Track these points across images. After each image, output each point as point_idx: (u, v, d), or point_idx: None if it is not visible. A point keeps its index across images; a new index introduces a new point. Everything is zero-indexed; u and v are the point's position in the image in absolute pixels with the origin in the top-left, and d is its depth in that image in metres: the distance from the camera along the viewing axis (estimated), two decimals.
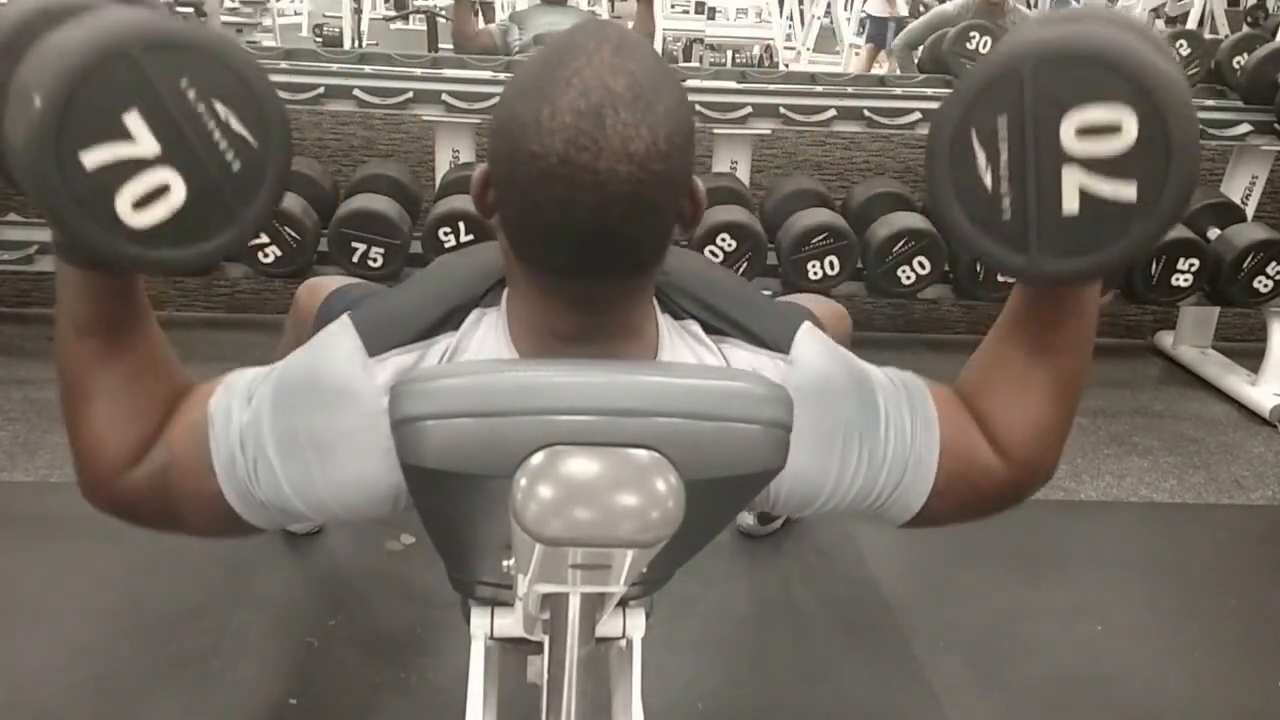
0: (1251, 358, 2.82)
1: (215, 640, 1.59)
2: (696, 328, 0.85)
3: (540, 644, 0.97)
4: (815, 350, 0.85)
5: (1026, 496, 0.91)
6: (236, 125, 0.73)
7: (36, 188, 0.69)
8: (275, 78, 2.41)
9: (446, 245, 2.24)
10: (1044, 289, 0.83)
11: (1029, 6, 6.04)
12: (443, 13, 4.26)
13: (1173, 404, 2.77)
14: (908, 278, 2.37)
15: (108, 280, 0.78)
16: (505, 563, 0.84)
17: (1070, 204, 0.73)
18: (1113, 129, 0.71)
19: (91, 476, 0.83)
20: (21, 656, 1.53)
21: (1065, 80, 0.71)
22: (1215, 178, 2.97)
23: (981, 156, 0.74)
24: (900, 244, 2.34)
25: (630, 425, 0.68)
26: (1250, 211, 2.79)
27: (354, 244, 2.23)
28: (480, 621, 1.06)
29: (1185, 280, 2.46)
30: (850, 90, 2.65)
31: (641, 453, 0.67)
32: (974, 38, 2.83)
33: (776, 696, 1.57)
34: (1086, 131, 0.72)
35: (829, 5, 7.51)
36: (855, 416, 0.84)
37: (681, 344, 0.84)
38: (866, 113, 2.56)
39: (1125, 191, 0.72)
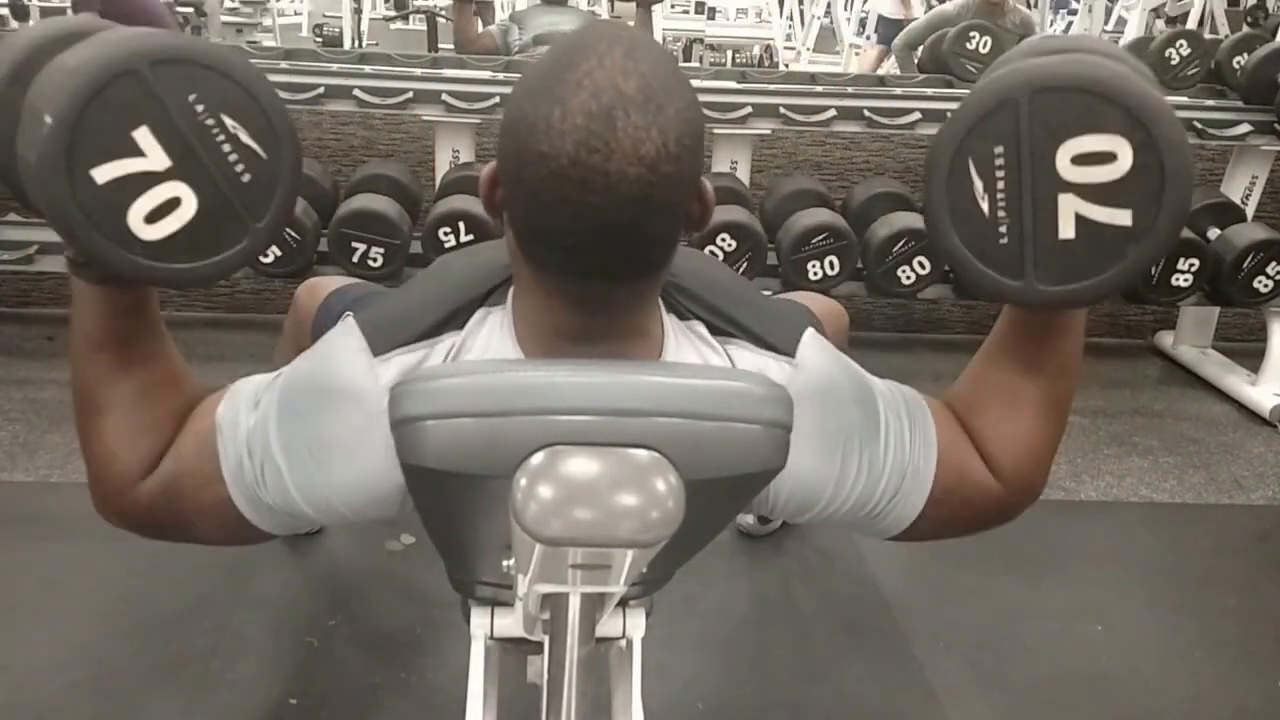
0: (1251, 358, 2.82)
1: (215, 640, 1.59)
2: (702, 328, 0.85)
3: (540, 644, 0.97)
4: (820, 355, 0.85)
5: (1016, 514, 0.92)
6: (246, 138, 0.73)
7: (49, 205, 0.70)
8: (275, 78, 2.42)
9: (446, 245, 2.24)
10: (1039, 313, 0.84)
11: (1029, 6, 6.04)
12: (443, 13, 4.26)
13: (1173, 404, 2.77)
14: (908, 278, 2.37)
15: (121, 295, 0.79)
16: (505, 563, 0.84)
17: (1066, 230, 0.74)
18: (1108, 157, 0.72)
19: (104, 490, 0.84)
20: (21, 656, 1.53)
21: (1061, 110, 0.73)
22: (1215, 178, 2.97)
23: (979, 184, 0.75)
24: (900, 244, 2.34)
25: (630, 425, 0.68)
26: (1250, 211, 2.79)
27: (354, 244, 2.23)
28: (480, 621, 1.06)
29: (1185, 280, 2.46)
30: (850, 90, 2.65)
31: (641, 453, 0.67)
32: (974, 38, 2.83)
33: (776, 696, 1.57)
34: (1082, 159, 0.73)
35: (829, 5, 7.50)
36: (857, 423, 0.84)
37: (687, 344, 0.84)
38: (866, 113, 2.56)
39: (1120, 218, 0.73)
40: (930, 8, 6.62)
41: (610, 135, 0.65)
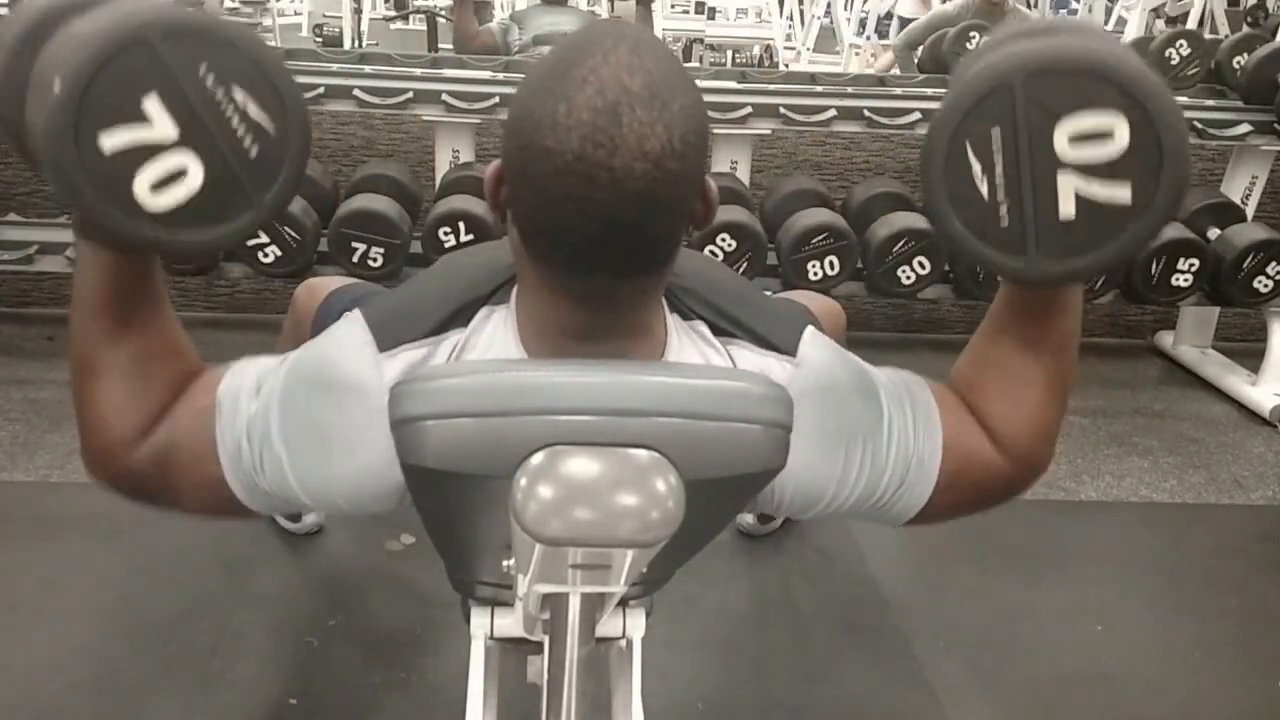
0: (1251, 358, 2.82)
1: (215, 640, 1.59)
2: (704, 328, 0.85)
3: (540, 644, 0.97)
4: (821, 352, 0.85)
5: (1024, 490, 0.92)
6: (255, 112, 0.73)
7: (55, 169, 0.70)
8: None
9: (446, 245, 2.24)
10: (1040, 291, 0.84)
11: (1029, 6, 6.04)
12: (443, 13, 4.26)
13: (1173, 404, 2.77)
14: (908, 278, 2.37)
15: (124, 261, 0.78)
16: (505, 563, 0.84)
17: (1066, 209, 0.75)
18: (1105, 135, 0.73)
19: (96, 452, 0.83)
20: (21, 656, 1.53)
21: (1056, 90, 0.73)
22: (1215, 178, 2.97)
23: (977, 167, 0.75)
24: (900, 244, 2.34)
25: (630, 425, 0.68)
26: (1250, 211, 2.79)
27: (354, 244, 2.23)
28: (480, 621, 1.06)
29: (1185, 280, 2.46)
30: (850, 90, 2.65)
31: (641, 453, 0.67)
32: (974, 38, 2.83)
33: (776, 696, 1.57)
34: (1079, 138, 0.73)
35: (829, 5, 7.50)
36: (860, 418, 0.84)
37: (689, 344, 0.84)
38: (866, 113, 2.56)
39: (1120, 194, 0.74)
40: None
41: (616, 131, 0.65)
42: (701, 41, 6.23)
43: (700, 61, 6.01)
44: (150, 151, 0.71)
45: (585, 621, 0.80)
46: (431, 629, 1.65)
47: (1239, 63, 2.78)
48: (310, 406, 0.80)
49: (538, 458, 0.67)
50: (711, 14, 6.29)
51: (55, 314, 2.86)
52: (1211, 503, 2.25)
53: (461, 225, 2.23)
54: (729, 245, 2.28)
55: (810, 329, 0.86)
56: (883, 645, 1.69)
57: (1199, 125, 2.65)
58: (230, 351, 0.89)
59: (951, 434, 0.87)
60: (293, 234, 2.23)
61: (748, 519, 1.93)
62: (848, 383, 0.85)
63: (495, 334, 0.82)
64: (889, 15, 7.06)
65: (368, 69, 2.52)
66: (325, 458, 0.80)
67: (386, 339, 0.80)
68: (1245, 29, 4.48)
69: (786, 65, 6.07)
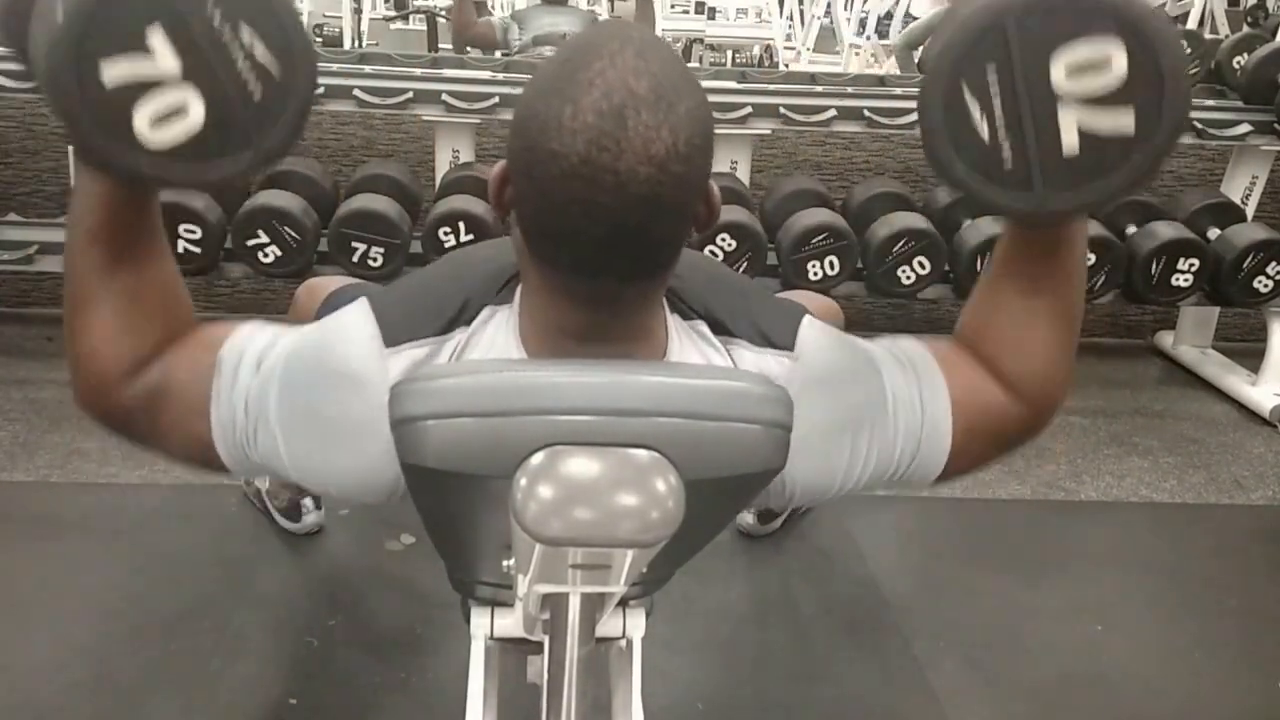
0: (1251, 358, 2.82)
1: (215, 640, 1.59)
2: (704, 328, 0.86)
3: (540, 644, 0.97)
4: (818, 343, 0.85)
5: (1042, 429, 0.92)
6: (261, 54, 0.72)
7: (54, 96, 0.69)
8: None
9: (446, 245, 2.24)
10: (1042, 228, 0.83)
11: None
12: (442, 13, 4.26)
13: (1173, 404, 2.77)
14: (908, 278, 2.37)
15: (120, 192, 0.78)
16: (505, 563, 0.84)
17: (1070, 143, 0.74)
18: (1102, 65, 0.72)
19: (85, 385, 0.83)
20: (21, 656, 1.53)
21: (1049, 24, 0.72)
22: (1215, 178, 2.97)
23: (975, 109, 0.75)
24: (900, 244, 2.34)
25: (630, 425, 0.68)
26: (1250, 211, 2.79)
27: (354, 244, 2.23)
28: (480, 621, 1.06)
29: (1185, 280, 2.46)
30: (850, 90, 2.65)
31: (641, 453, 0.67)
32: None
33: (776, 696, 1.57)
34: (1076, 70, 0.72)
35: (829, 5, 7.50)
36: (861, 403, 0.84)
37: (690, 345, 0.84)
38: (866, 113, 2.55)
39: (1123, 123, 0.73)
40: None
41: (621, 134, 0.65)
42: (701, 41, 6.22)
43: (700, 61, 6.01)
44: (151, 85, 0.70)
45: (585, 621, 0.80)
46: (431, 629, 1.65)
47: (1239, 63, 2.78)
48: (311, 393, 0.80)
49: (538, 458, 0.67)
50: (711, 14, 6.28)
51: (55, 314, 2.82)
52: (1211, 503, 2.25)
53: (461, 225, 2.24)
54: (729, 245, 2.28)
55: (807, 319, 0.87)
56: (883, 645, 1.69)
57: (1199, 125, 2.65)
58: None
59: (960, 391, 0.87)
60: (293, 234, 2.23)
61: (748, 519, 1.93)
62: (847, 369, 0.85)
63: (496, 334, 0.82)
64: (889, 15, 7.06)
65: (368, 69, 2.52)
66: (321, 446, 0.80)
67: (392, 334, 0.80)
68: (1245, 29, 4.48)
69: (786, 65, 6.07)
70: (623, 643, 1.06)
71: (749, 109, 2.51)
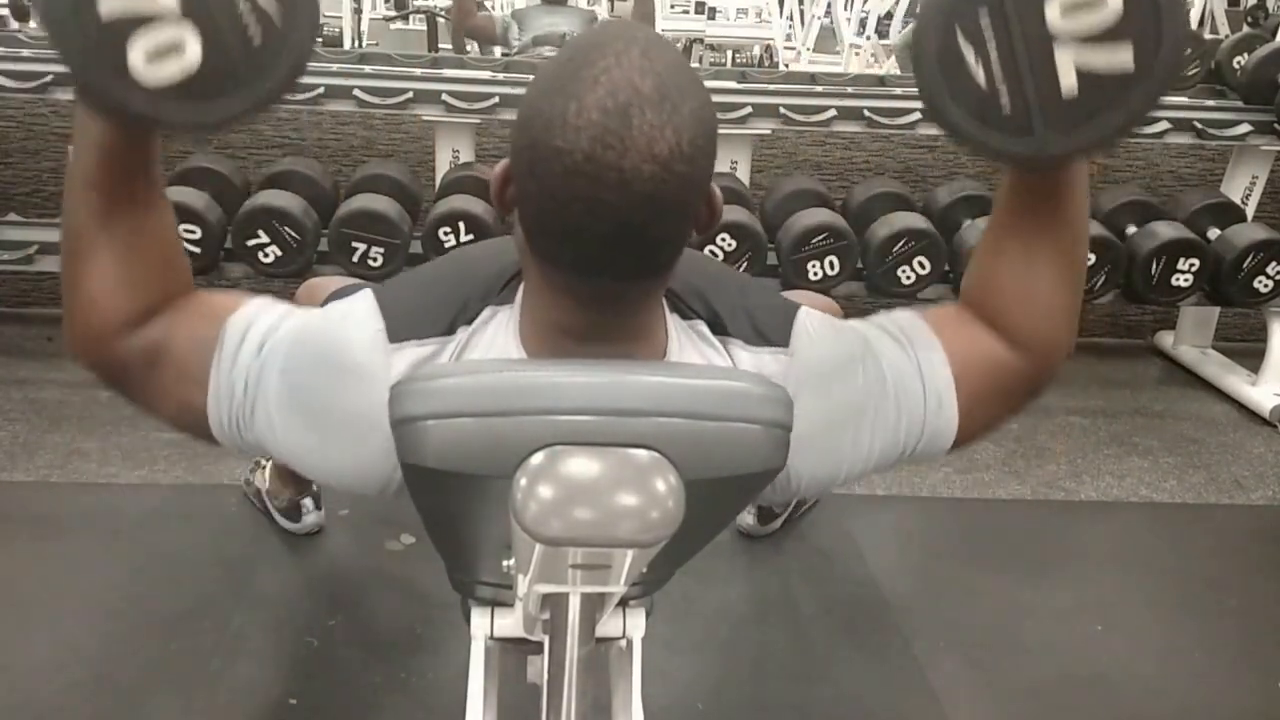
0: (1251, 358, 2.82)
1: (215, 640, 1.59)
2: (704, 328, 0.86)
3: (540, 644, 0.97)
4: (813, 337, 0.85)
5: (1051, 380, 0.91)
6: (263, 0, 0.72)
7: (50, 25, 0.69)
8: None
9: (446, 245, 2.24)
10: (1044, 172, 0.83)
11: None
12: (442, 13, 4.26)
13: (1173, 404, 2.77)
14: (908, 278, 2.37)
15: (117, 132, 0.77)
16: (505, 563, 0.84)
17: (1068, 83, 0.73)
18: (1097, 1, 0.71)
19: (82, 333, 0.83)
20: (21, 656, 1.53)
21: None
22: (1215, 178, 2.97)
23: (970, 54, 0.74)
24: (900, 244, 2.34)
25: (630, 425, 0.68)
26: (1250, 211, 2.79)
27: (354, 244, 2.23)
28: (480, 621, 1.06)
29: (1185, 280, 2.46)
30: (850, 90, 2.65)
31: (641, 453, 0.67)
32: None
33: (777, 697, 1.57)
34: (1071, 8, 0.71)
35: (829, 5, 7.49)
36: (859, 390, 0.84)
37: (689, 345, 0.84)
38: (866, 113, 2.55)
39: (1121, 59, 0.72)
40: None
41: (625, 132, 0.65)
42: (701, 41, 6.22)
43: (700, 61, 6.01)
44: (148, 20, 0.69)
45: (585, 621, 0.80)
46: (431, 629, 1.65)
47: (1239, 63, 2.78)
48: (311, 381, 0.80)
49: (538, 458, 0.67)
50: (711, 14, 6.28)
51: (55, 314, 2.84)
52: (1211, 503, 2.25)
53: (461, 225, 2.24)
54: (729, 245, 2.28)
55: (802, 312, 0.87)
56: (883, 645, 1.69)
57: (1199, 125, 2.65)
58: None
59: (960, 356, 0.87)
60: (293, 234, 2.23)
61: (748, 519, 1.93)
62: (843, 360, 0.85)
63: (497, 334, 0.82)
64: (889, 15, 7.05)
65: (368, 69, 2.52)
66: (317, 434, 0.80)
67: (396, 330, 0.80)
68: (1245, 29, 4.48)
69: (786, 65, 6.07)
70: (623, 643, 1.06)
71: (749, 109, 2.51)
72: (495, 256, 0.89)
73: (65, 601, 1.67)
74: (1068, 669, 1.66)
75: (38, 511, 1.92)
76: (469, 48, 3.90)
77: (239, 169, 2.53)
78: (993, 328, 0.89)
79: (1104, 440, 2.51)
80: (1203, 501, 2.25)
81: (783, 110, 2.53)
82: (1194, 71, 2.80)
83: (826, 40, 7.67)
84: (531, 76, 0.74)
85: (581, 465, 0.67)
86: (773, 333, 0.85)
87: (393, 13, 6.81)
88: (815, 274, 2.34)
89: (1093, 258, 2.41)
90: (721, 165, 2.59)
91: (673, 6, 6.39)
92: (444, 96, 2.43)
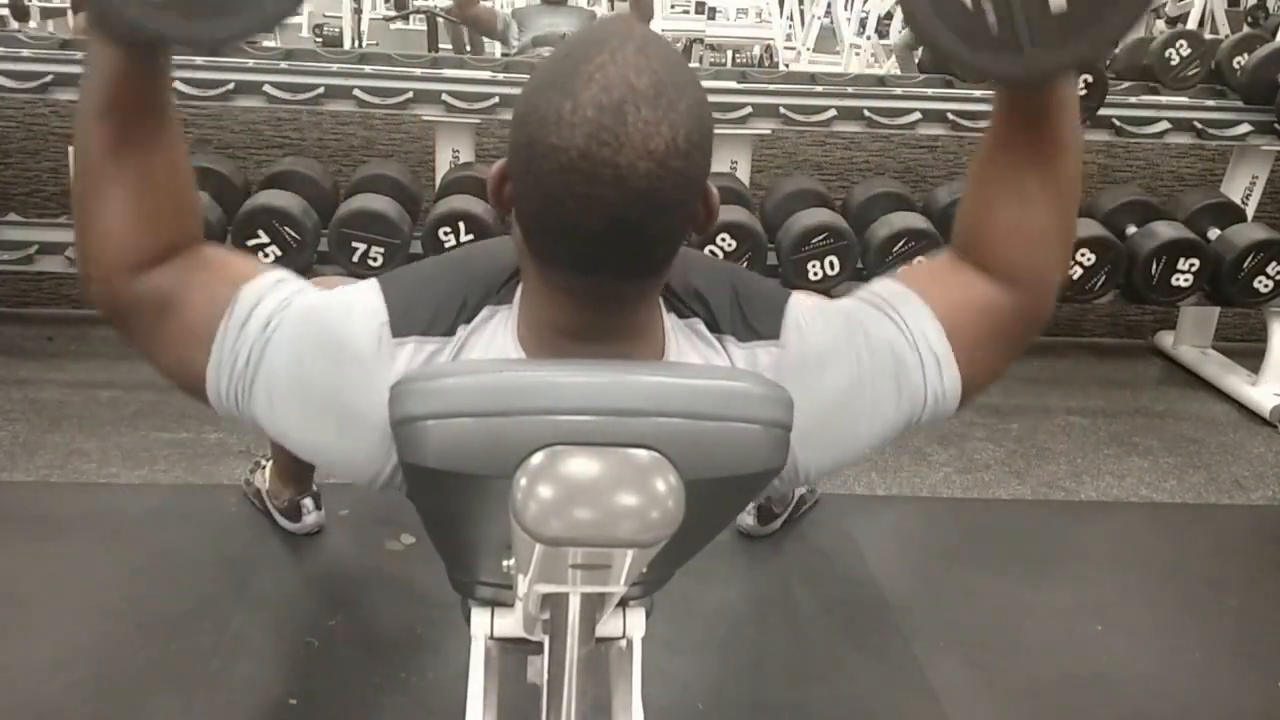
0: (1251, 358, 2.82)
1: (215, 640, 1.59)
2: (701, 326, 0.86)
3: (540, 644, 0.97)
4: (801, 326, 0.85)
5: (1046, 317, 0.90)
6: None
7: None
8: (275, 78, 2.42)
9: (446, 245, 2.24)
10: (1035, 90, 0.81)
11: None
12: (442, 13, 4.26)
13: (1173, 404, 2.77)
14: None
15: (126, 59, 0.77)
16: (505, 563, 0.84)
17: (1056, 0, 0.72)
18: None
19: (95, 270, 0.83)
20: (21, 656, 1.53)
21: None
22: (1215, 178, 2.97)
23: None
24: (900, 244, 2.34)
25: (630, 425, 0.68)
26: (1250, 211, 2.79)
27: (354, 244, 2.23)
28: (480, 621, 1.06)
29: (1185, 280, 2.46)
30: (850, 90, 2.65)
31: (641, 453, 0.67)
32: None
33: (776, 697, 1.57)
34: None
35: (829, 5, 7.49)
36: (854, 373, 0.84)
37: (687, 344, 0.84)
38: (866, 113, 2.56)
39: None
40: None
41: (621, 129, 0.65)
42: (701, 41, 6.22)
43: (700, 61, 6.01)
44: None
45: (585, 621, 0.80)
46: (431, 629, 1.65)
47: (1239, 63, 2.78)
48: (314, 366, 0.80)
49: (538, 458, 0.67)
50: (711, 14, 6.28)
51: (55, 314, 2.86)
52: (1211, 503, 2.25)
53: (461, 225, 2.24)
54: (729, 245, 2.28)
55: (791, 301, 0.87)
56: (883, 645, 1.69)
57: (1199, 125, 2.65)
58: None
59: (952, 310, 0.86)
60: (293, 234, 2.23)
61: (748, 519, 1.93)
62: (834, 344, 0.85)
63: (495, 334, 0.82)
64: (889, 15, 7.05)
65: (368, 69, 2.52)
66: (313, 419, 0.81)
67: (400, 325, 0.80)
68: (1245, 29, 4.48)
69: (786, 65, 6.07)
70: (623, 643, 1.06)
71: (749, 109, 2.51)
72: (495, 256, 0.89)
73: (65, 601, 1.67)
74: (1068, 669, 1.66)
75: (38, 511, 1.92)
76: (467, 45, 3.90)
77: (239, 169, 2.53)
78: (983, 268, 0.87)
79: (1104, 440, 2.51)
80: (1203, 501, 2.25)
81: (783, 110, 2.53)
82: (1194, 71, 2.80)
83: (826, 40, 7.67)
84: (531, 74, 0.74)
85: (582, 465, 0.67)
86: (762, 325, 0.85)
87: (393, 13, 6.81)
88: (815, 274, 2.34)
89: (1093, 258, 2.41)
90: (721, 165, 2.59)
91: (673, 6, 6.39)
92: (444, 96, 2.44)
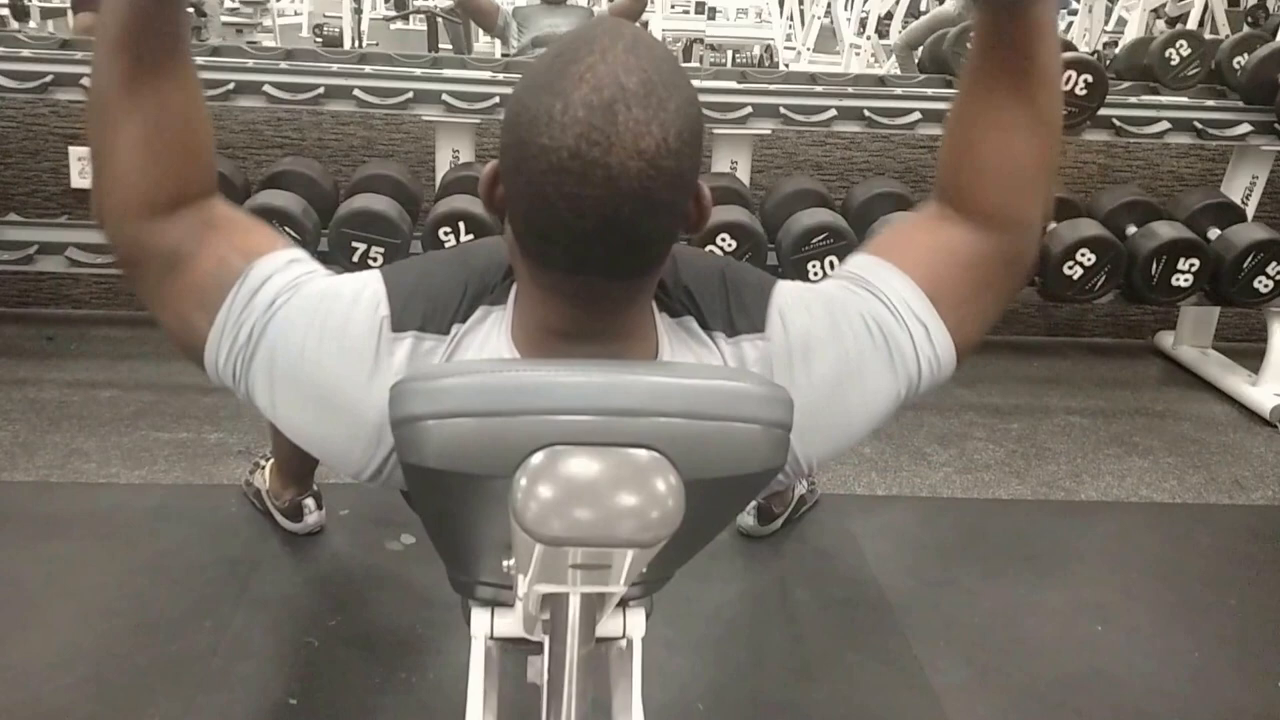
0: (1251, 358, 2.82)
1: (215, 640, 1.59)
2: (693, 324, 0.86)
3: (540, 644, 0.97)
4: (785, 316, 0.85)
5: (1031, 256, 0.89)
6: None
7: None
8: (275, 78, 2.42)
9: (446, 245, 2.24)
10: (1014, 5, 0.80)
11: None
12: (442, 13, 4.26)
13: (1173, 404, 2.77)
14: None
15: None
16: (505, 563, 0.84)
17: None
18: None
19: (109, 207, 0.83)
20: (21, 656, 1.53)
21: None
22: (1215, 178, 2.97)
23: None
24: None
25: (630, 425, 0.68)
26: (1250, 211, 2.79)
27: (354, 244, 2.23)
28: (480, 621, 1.06)
29: (1185, 280, 2.46)
30: (850, 90, 2.65)
31: (641, 452, 0.67)
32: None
33: (776, 696, 1.57)
34: None
35: (829, 5, 7.50)
36: (842, 356, 0.84)
37: (681, 344, 0.84)
38: (866, 113, 2.56)
39: None
40: None
41: (611, 129, 0.65)
42: (701, 41, 6.22)
43: (700, 61, 6.01)
44: None
45: (585, 621, 0.80)
46: (431, 629, 1.65)
47: (1239, 63, 2.78)
48: (313, 352, 0.80)
49: (538, 457, 0.67)
50: (711, 14, 6.28)
51: (55, 314, 2.86)
52: (1211, 503, 2.25)
53: (461, 225, 2.24)
54: (729, 245, 2.28)
55: (776, 290, 0.87)
56: (883, 645, 1.69)
57: (1199, 125, 2.65)
58: None
59: (930, 269, 0.86)
60: (293, 234, 2.22)
61: (748, 519, 1.93)
62: (819, 330, 0.85)
63: (490, 334, 0.82)
64: (889, 15, 7.05)
65: (368, 69, 2.52)
66: (307, 403, 0.81)
67: (401, 319, 0.81)
68: (1245, 29, 4.48)
69: (786, 65, 6.07)
70: (623, 643, 1.06)
71: (749, 109, 2.51)
72: (491, 255, 0.89)
73: (65, 601, 1.67)
74: (1067, 669, 1.67)
75: (38, 511, 1.92)
76: (475, 40, 3.90)
77: (239, 169, 2.53)
78: (965, 213, 0.86)
79: (1104, 440, 2.51)
80: (1203, 501, 2.25)
81: (783, 110, 2.53)
82: (1194, 71, 2.80)
83: (826, 40, 7.67)
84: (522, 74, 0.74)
85: (582, 465, 0.67)
86: (749, 317, 0.85)
87: (393, 13, 6.82)
88: (815, 274, 2.34)
89: (1093, 258, 2.41)
90: (721, 165, 2.59)
91: (673, 6, 6.40)
92: (444, 96, 2.44)
